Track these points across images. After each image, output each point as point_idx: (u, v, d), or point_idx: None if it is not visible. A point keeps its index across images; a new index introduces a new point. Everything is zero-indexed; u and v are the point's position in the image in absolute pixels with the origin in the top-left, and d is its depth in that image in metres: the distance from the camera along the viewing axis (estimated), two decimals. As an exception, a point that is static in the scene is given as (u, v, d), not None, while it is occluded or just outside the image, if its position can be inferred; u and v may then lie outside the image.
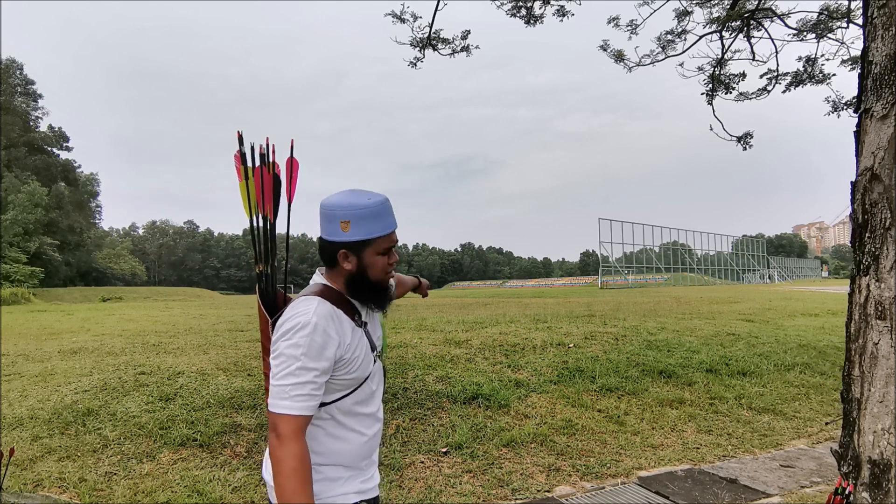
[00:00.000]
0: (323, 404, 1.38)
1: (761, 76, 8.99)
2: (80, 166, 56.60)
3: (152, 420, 4.10)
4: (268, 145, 1.58)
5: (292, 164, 1.61)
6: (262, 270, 1.60)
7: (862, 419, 1.35)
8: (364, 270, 1.37)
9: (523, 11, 8.13)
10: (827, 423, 4.39)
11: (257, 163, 1.57)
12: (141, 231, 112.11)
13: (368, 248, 1.35)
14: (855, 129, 1.43)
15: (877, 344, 1.31)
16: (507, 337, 7.27)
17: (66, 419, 4.15)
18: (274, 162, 1.58)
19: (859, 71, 1.42)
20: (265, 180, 1.57)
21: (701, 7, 8.53)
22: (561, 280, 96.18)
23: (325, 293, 1.38)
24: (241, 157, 1.56)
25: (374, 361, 1.49)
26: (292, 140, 1.63)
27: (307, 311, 1.32)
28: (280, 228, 1.65)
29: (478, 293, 42.75)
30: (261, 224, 1.61)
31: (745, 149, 9.21)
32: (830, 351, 7.17)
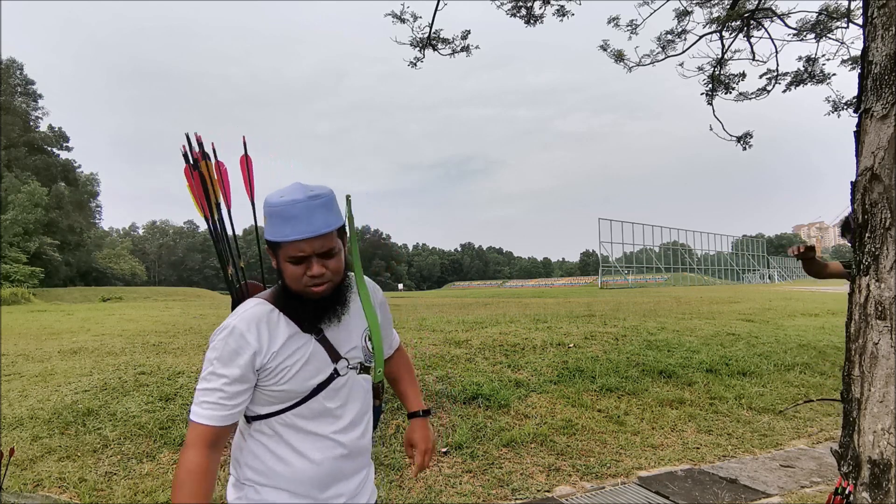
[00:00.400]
0: (259, 416, 1.28)
1: (761, 76, 9.00)
2: (80, 166, 56.63)
3: (152, 420, 4.11)
4: (199, 143, 1.52)
5: (247, 161, 1.56)
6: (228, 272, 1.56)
7: (862, 419, 1.35)
8: (281, 273, 1.24)
9: (523, 11, 8.14)
10: (794, 406, 4.40)
11: (191, 161, 1.52)
12: (141, 231, 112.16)
13: (279, 250, 1.21)
14: (855, 129, 1.43)
15: (877, 344, 1.31)
16: (507, 337, 7.27)
17: (66, 419, 4.15)
18: (197, 159, 1.52)
19: (859, 71, 1.42)
20: (195, 180, 1.52)
21: (701, 7, 8.54)
22: (561, 280, 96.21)
23: (273, 293, 1.30)
24: (184, 157, 1.52)
25: (338, 375, 1.30)
26: (244, 137, 1.57)
27: (236, 313, 1.27)
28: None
29: (478, 293, 42.76)
30: (212, 225, 1.56)
31: (744, 149, 9.22)
32: (830, 351, 7.17)
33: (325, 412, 1.29)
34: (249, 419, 1.30)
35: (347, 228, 1.34)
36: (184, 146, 1.51)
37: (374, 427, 1.49)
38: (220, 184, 1.56)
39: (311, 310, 1.26)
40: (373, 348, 1.38)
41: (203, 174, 1.52)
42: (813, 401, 3.36)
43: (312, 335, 1.29)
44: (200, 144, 1.52)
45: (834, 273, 3.27)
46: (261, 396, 1.26)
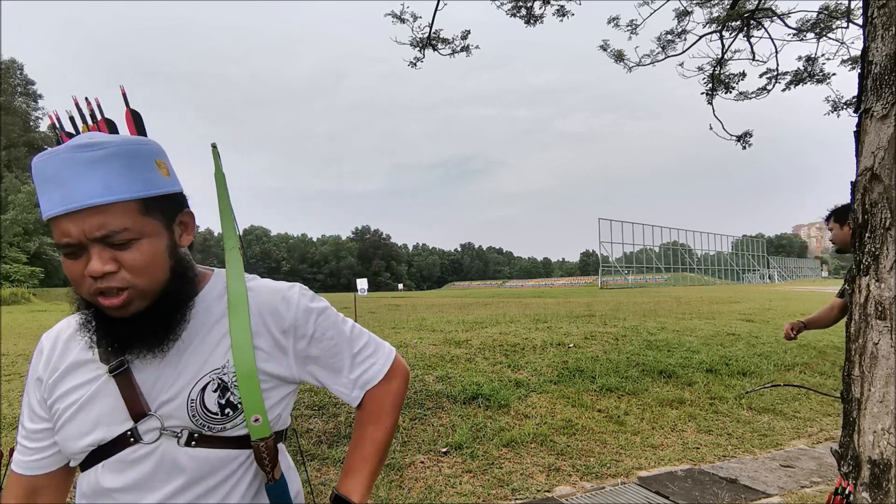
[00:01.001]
0: None
1: (761, 76, 9.00)
2: (80, 166, 56.67)
3: (152, 420, 4.10)
4: (77, 105, 1.13)
5: (134, 117, 1.12)
6: None
7: (862, 419, 1.35)
8: None
9: (523, 11, 8.13)
10: (747, 392, 4.51)
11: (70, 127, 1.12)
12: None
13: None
14: (855, 129, 1.43)
15: (877, 344, 1.31)
16: (507, 337, 7.27)
17: (66, 419, 4.14)
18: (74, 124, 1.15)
19: (859, 71, 1.42)
20: None
21: (701, 7, 8.54)
22: (561, 280, 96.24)
23: None
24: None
25: (136, 440, 0.80)
26: (122, 87, 1.12)
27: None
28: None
29: (478, 293, 42.75)
30: None
31: (744, 147, 9.22)
32: (830, 351, 7.17)
33: (100, 493, 0.81)
34: None
35: (217, 192, 0.95)
36: (52, 116, 1.12)
37: None
38: None
39: (105, 329, 0.80)
40: (228, 405, 0.83)
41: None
42: (780, 385, 3.42)
43: (107, 368, 0.82)
44: (78, 107, 1.14)
45: (838, 314, 3.30)
46: None
